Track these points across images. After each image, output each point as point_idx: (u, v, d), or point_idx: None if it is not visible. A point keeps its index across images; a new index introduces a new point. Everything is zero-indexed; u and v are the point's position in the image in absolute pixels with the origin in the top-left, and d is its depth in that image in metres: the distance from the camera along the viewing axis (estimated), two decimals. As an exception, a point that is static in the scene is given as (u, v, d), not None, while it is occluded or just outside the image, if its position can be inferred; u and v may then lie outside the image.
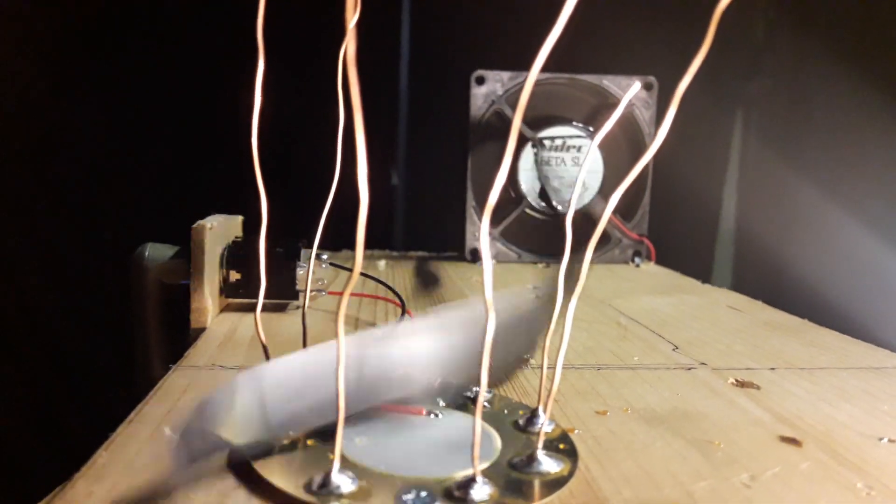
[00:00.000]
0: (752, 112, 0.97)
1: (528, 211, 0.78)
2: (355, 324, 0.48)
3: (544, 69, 0.21)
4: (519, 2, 0.78)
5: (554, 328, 0.27)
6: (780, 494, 0.24)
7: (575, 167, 0.77)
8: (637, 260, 0.79)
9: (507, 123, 0.76)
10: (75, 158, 0.87)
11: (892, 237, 0.74)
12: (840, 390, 0.36)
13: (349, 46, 0.20)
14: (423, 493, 0.23)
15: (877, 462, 0.27)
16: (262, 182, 0.29)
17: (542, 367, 0.27)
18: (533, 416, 0.29)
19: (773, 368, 0.40)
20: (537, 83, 0.22)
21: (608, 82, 0.78)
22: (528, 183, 0.78)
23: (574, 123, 0.78)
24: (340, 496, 0.22)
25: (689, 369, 0.39)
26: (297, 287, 0.49)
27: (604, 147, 0.77)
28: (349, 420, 0.22)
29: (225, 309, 0.50)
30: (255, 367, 0.25)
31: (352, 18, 0.21)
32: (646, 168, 0.78)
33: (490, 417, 0.29)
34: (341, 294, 0.21)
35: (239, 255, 0.50)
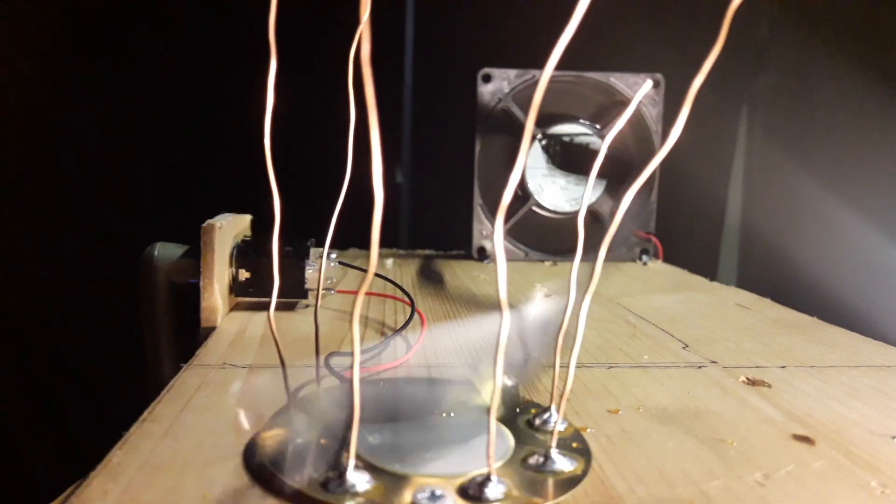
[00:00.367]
0: (758, 109, 0.96)
1: (535, 209, 0.78)
2: (365, 322, 0.48)
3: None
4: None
5: (566, 328, 0.27)
6: (794, 493, 0.24)
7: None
8: (644, 258, 0.79)
9: (513, 121, 0.76)
10: (84, 158, 0.87)
11: (900, 233, 0.74)
12: (851, 388, 0.36)
13: (364, 45, 0.20)
14: (438, 492, 0.23)
15: (890, 460, 0.27)
16: (275, 181, 0.29)
17: (554, 367, 0.27)
18: (546, 414, 0.29)
19: (783, 366, 0.40)
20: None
21: (615, 80, 0.77)
22: (535, 181, 0.78)
23: (581, 121, 0.78)
24: (355, 495, 0.23)
25: (700, 367, 0.39)
26: (307, 286, 0.49)
27: (610, 145, 0.77)
28: (364, 417, 0.22)
29: (234, 308, 0.51)
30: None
31: (364, 13, 0.21)
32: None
33: (503, 416, 0.29)
34: (351, 293, 0.21)
35: (248, 253, 0.50)
